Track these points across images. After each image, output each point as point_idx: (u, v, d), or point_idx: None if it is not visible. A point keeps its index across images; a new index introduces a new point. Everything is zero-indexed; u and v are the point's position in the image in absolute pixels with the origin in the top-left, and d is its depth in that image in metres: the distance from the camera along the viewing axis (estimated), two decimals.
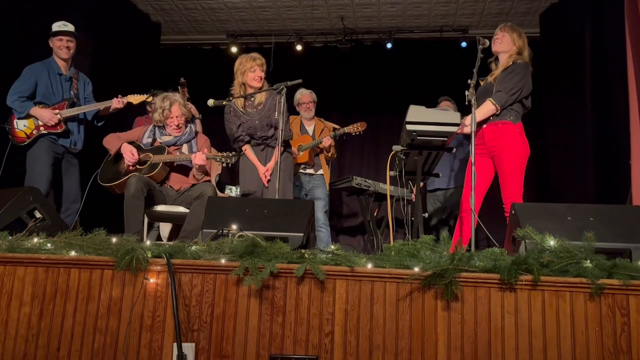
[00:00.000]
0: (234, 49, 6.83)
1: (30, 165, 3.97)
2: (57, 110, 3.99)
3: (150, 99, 4.17)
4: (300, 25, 6.69)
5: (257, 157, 3.84)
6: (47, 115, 3.94)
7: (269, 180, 3.76)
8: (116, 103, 4.09)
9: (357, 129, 4.76)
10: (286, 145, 3.85)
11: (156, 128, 3.85)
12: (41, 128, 3.95)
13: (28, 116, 3.95)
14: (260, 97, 3.82)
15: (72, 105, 4.08)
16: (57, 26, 4.13)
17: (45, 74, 4.07)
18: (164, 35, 6.84)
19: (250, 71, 3.75)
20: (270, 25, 6.72)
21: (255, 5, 6.23)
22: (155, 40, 6.68)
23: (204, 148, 3.81)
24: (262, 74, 3.77)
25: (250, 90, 3.80)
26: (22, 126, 3.94)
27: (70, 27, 4.14)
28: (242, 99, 3.83)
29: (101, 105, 4.14)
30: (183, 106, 3.81)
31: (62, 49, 4.10)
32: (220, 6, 6.30)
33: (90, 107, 4.14)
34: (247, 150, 3.86)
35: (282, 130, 3.49)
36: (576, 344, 2.01)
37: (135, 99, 4.14)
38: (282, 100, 3.47)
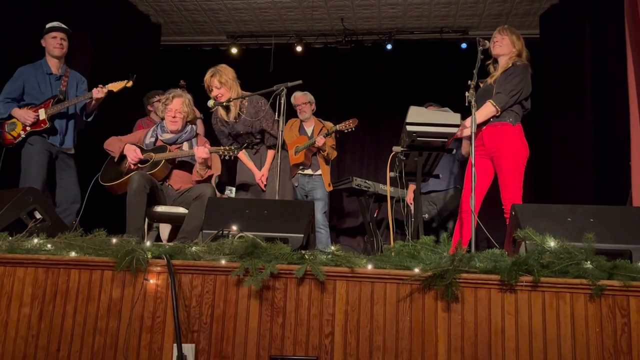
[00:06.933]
0: (234, 50, 6.84)
1: (25, 165, 3.94)
2: (38, 109, 3.95)
3: (129, 84, 4.11)
4: (300, 26, 6.69)
5: (252, 162, 3.87)
6: (23, 115, 3.92)
7: (265, 185, 3.78)
8: (96, 93, 3.98)
9: (349, 125, 4.76)
10: (281, 146, 3.86)
11: (158, 127, 3.87)
12: (27, 128, 3.93)
13: (10, 117, 3.95)
14: (236, 108, 3.77)
15: (58, 102, 4.02)
16: (50, 24, 4.11)
17: (33, 75, 4.05)
18: (164, 36, 6.84)
19: (209, 91, 3.76)
20: (270, 26, 6.73)
21: (255, 6, 6.23)
22: (155, 41, 6.68)
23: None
24: (219, 91, 3.71)
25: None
26: (10, 129, 3.94)
27: (63, 26, 4.12)
28: (224, 109, 3.80)
29: (83, 98, 4.07)
30: (187, 105, 3.81)
31: (55, 46, 4.07)
32: (220, 7, 6.30)
33: (73, 102, 4.07)
34: (242, 155, 3.88)
35: (281, 131, 3.49)
36: (576, 344, 2.01)
37: (116, 86, 4.07)
38: (282, 102, 3.46)
